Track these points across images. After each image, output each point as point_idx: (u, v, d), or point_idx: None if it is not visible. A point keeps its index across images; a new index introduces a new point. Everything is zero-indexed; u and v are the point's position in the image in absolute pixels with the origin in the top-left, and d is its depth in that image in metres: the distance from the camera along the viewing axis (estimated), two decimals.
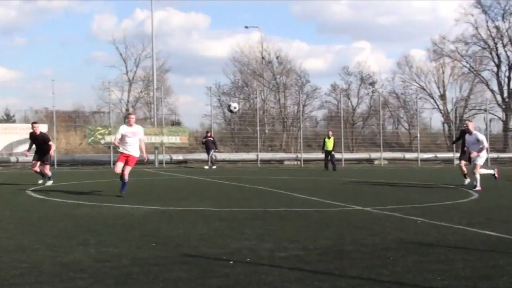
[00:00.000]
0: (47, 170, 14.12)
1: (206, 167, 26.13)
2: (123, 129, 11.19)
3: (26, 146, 25.07)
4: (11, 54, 66.12)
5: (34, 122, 14.49)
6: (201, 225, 7.50)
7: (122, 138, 11.15)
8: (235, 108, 10.96)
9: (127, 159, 11.15)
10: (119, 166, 11.14)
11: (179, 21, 70.01)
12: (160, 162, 27.86)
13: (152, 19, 29.11)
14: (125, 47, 39.36)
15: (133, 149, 11.20)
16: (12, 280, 4.46)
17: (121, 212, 8.84)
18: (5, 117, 34.88)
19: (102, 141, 26.88)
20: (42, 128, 26.04)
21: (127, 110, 38.14)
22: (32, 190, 12.59)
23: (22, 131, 25.40)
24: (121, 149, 11.21)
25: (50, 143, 13.92)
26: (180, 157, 29.66)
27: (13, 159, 25.68)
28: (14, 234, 6.64)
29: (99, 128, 27.39)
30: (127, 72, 39.31)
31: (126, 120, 11.69)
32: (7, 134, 24.80)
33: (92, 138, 26.95)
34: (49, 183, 14.05)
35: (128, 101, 38.70)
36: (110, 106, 31.30)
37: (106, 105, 33.51)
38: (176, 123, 36.30)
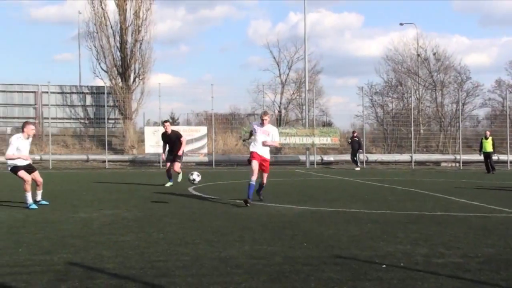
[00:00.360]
0: (178, 168, 13.98)
1: (357, 168, 25.81)
2: (255, 126, 10.36)
3: (189, 147, 27.27)
4: (176, 62, 71.90)
5: (165, 121, 14.38)
6: (352, 227, 7.42)
7: (253, 135, 10.33)
8: (193, 180, 10.28)
9: (262, 164, 10.11)
10: (255, 167, 9.97)
11: (331, 22, 70.24)
12: (311, 163, 28.11)
13: (304, 21, 29.48)
14: (278, 50, 40.40)
15: (264, 149, 10.19)
16: (177, 271, 4.82)
17: (273, 212, 9.10)
18: (170, 120, 37.79)
19: None
20: (202, 130, 27.93)
21: (279, 112, 39.12)
22: (194, 189, 13.49)
23: (185, 133, 27.22)
24: (251, 147, 10.23)
25: (182, 139, 13.95)
26: (331, 158, 29.64)
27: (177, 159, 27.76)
28: (178, 229, 7.19)
29: None
30: (280, 75, 40.31)
31: (260, 119, 10.45)
32: None
33: (247, 139, 28.07)
34: (179, 178, 14.09)
35: (280, 103, 39.67)
36: (264, 108, 32.34)
37: (260, 107, 34.78)
38: (328, 124, 36.34)
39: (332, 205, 9.99)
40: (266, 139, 10.13)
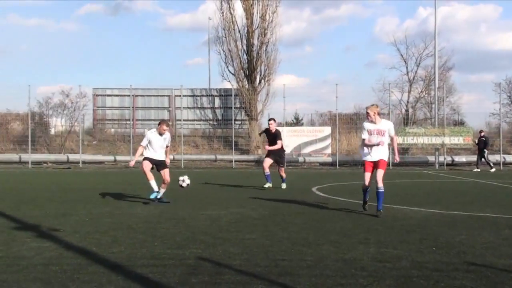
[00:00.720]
0: (283, 172, 13.66)
1: (492, 170, 24.04)
2: (367, 125, 8.68)
3: (313, 147, 27.39)
4: (300, 63, 72.49)
5: (271, 119, 13.98)
6: (488, 232, 6.94)
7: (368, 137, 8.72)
8: (183, 182, 9.71)
9: (375, 165, 8.66)
10: (367, 177, 8.72)
11: (465, 14, 66.44)
12: (441, 164, 26.78)
13: (435, 15, 28.15)
14: (406, 47, 38.88)
15: (380, 152, 8.64)
16: (301, 271, 4.86)
17: (400, 214, 8.80)
18: (294, 121, 38.19)
19: None
20: (326, 130, 27.84)
21: (406, 111, 37.75)
22: (317, 189, 13.50)
23: (309, 133, 27.56)
24: (364, 155, 8.74)
25: (279, 141, 13.42)
26: (463, 159, 27.99)
27: (301, 159, 27.98)
28: (301, 229, 7.24)
29: None
30: (407, 73, 38.77)
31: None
32: (296, 136, 27.19)
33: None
34: (283, 186, 13.64)
35: (408, 102, 38.20)
36: (390, 107, 31.44)
37: (386, 106, 33.80)
38: (459, 123, 34.34)
39: (465, 209, 9.43)
40: (384, 139, 8.61)
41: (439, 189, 14.51)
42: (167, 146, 10.45)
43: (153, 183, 9.99)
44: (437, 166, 26.71)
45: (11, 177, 18.68)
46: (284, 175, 13.67)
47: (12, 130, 31.47)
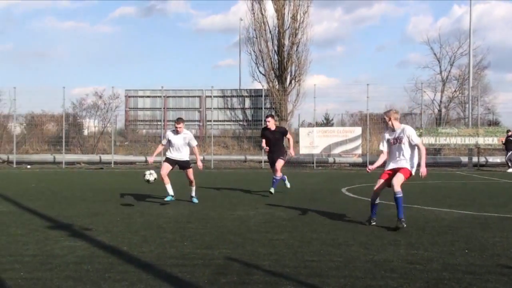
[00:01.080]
0: (280, 166, 11.70)
1: (510, 169, 23.36)
2: (386, 135, 7.75)
3: (343, 148, 27.18)
4: (331, 63, 72.04)
5: (268, 115, 11.97)
6: None
7: (387, 145, 7.77)
8: (148, 181, 9.62)
9: (394, 173, 7.59)
10: (378, 185, 7.83)
11: (501, 12, 64.84)
12: (475, 165, 26.25)
13: (470, 13, 27.59)
14: (440, 46, 38.28)
15: (402, 160, 7.52)
16: (330, 272, 4.84)
17: (431, 215, 8.67)
18: (324, 121, 37.99)
19: None
20: (357, 130, 27.55)
21: (439, 111, 37.15)
22: (347, 190, 13.40)
23: (339, 133, 27.34)
24: (385, 165, 7.86)
25: (289, 136, 11.91)
26: (497, 159, 27.37)
27: (330, 159, 27.82)
28: (331, 230, 7.20)
29: None
30: (440, 72, 38.18)
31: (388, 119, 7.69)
32: (326, 137, 27.03)
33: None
34: (287, 184, 12.30)
35: (441, 102, 37.60)
36: (422, 107, 30.99)
37: (418, 106, 33.38)
38: (494, 123, 33.61)
39: (498, 211, 9.22)
40: (403, 147, 7.45)
41: (472, 190, 14.22)
42: (191, 146, 10.28)
43: (168, 187, 10.09)
44: (470, 166, 26.19)
45: (46, 177, 19.12)
46: (280, 174, 11.78)
47: (47, 131, 32.20)
